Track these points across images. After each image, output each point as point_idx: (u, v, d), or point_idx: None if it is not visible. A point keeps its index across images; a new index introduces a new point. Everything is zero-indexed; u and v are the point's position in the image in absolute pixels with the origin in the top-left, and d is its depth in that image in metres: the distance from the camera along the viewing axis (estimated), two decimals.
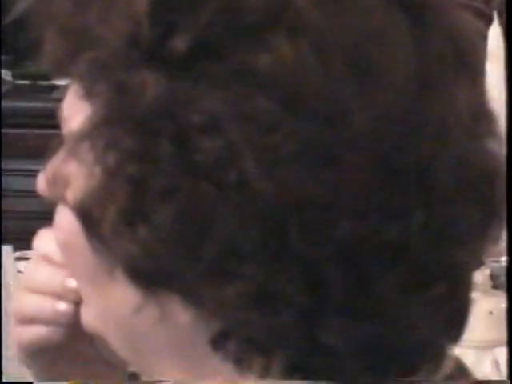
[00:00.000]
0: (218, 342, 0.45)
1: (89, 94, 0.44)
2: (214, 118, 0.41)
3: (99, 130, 0.43)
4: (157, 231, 0.42)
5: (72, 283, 0.53)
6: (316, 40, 0.41)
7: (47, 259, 0.55)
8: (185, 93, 0.41)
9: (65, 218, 0.47)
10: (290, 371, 0.44)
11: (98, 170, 0.42)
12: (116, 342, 0.50)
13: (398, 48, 0.43)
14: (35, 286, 0.57)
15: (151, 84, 0.41)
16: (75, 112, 0.46)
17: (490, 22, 1.47)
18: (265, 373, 0.44)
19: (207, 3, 0.41)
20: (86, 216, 0.44)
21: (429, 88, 0.43)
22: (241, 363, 0.44)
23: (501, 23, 1.48)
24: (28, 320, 0.57)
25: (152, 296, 0.45)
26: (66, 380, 0.58)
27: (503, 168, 0.47)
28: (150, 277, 0.45)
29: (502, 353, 1.28)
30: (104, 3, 0.44)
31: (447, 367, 0.47)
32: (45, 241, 0.55)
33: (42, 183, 0.50)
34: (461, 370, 0.50)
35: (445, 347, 0.47)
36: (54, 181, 0.48)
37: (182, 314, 0.45)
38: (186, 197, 0.42)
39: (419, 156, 0.42)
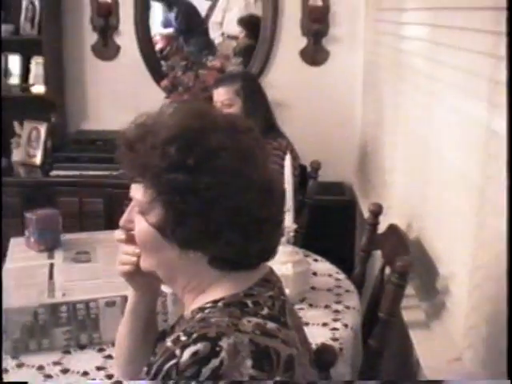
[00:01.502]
0: (210, 261, 1.18)
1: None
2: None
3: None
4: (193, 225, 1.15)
5: (137, 250, 1.28)
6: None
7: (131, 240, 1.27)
8: None
9: (142, 227, 1.22)
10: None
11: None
12: (160, 273, 1.25)
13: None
14: (126, 250, 1.32)
15: None
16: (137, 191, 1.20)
17: None
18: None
19: None
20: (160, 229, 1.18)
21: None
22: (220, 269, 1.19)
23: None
24: (121, 263, 1.34)
25: (184, 251, 1.18)
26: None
27: None
28: (184, 242, 1.17)
29: None
30: None
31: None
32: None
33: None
34: None
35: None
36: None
37: (197, 256, 1.18)
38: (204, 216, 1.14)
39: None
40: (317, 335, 1.92)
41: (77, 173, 3.60)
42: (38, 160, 3.96)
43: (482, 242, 1.66)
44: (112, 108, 3.91)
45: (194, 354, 1.05)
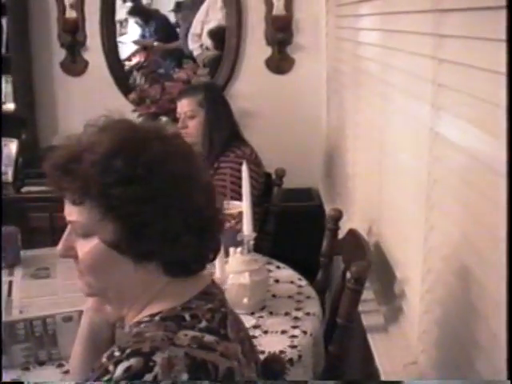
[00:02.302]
0: (165, 268, 1.17)
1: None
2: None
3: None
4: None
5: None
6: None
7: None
8: None
9: (90, 249, 1.16)
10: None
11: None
12: (111, 294, 1.21)
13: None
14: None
15: None
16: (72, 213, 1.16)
17: None
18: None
19: None
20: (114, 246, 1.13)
21: None
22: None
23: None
24: None
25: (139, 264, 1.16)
26: None
27: None
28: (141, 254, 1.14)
29: None
30: None
31: None
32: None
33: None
34: None
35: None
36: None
37: (152, 266, 1.17)
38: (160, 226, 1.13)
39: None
40: (275, 343, 1.89)
41: (48, 188, 3.52)
42: (9, 177, 3.89)
43: (431, 246, 1.62)
44: (82, 123, 3.80)
45: (127, 369, 1.02)
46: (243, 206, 2.17)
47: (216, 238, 1.23)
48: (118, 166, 1.11)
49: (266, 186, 3.09)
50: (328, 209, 3.24)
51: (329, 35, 3.70)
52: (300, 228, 3.49)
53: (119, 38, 4.19)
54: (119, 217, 1.12)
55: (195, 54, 4.24)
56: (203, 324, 1.14)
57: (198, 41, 4.25)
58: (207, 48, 4.25)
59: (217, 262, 1.90)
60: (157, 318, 1.15)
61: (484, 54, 1.22)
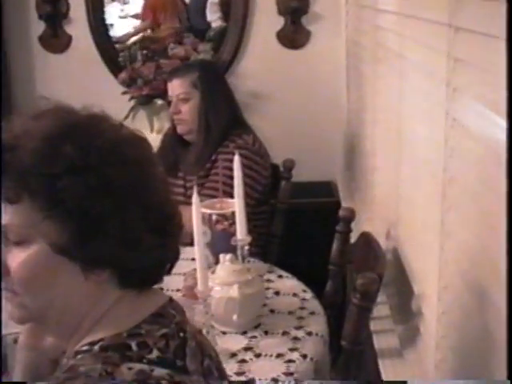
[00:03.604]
0: (121, 278, 1.14)
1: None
2: None
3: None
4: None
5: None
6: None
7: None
8: None
9: (28, 257, 1.10)
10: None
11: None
12: (50, 314, 1.14)
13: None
14: None
15: None
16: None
17: None
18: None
19: None
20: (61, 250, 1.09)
21: None
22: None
23: None
24: None
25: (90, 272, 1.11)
26: None
27: None
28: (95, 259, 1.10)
29: None
30: None
31: None
32: None
33: None
34: None
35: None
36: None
37: (105, 276, 1.12)
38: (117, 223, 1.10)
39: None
40: (268, 369, 1.85)
41: None
42: None
43: (448, 258, 1.54)
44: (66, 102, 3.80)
45: None
46: (235, 205, 2.14)
47: (175, 243, 1.22)
48: (67, 152, 1.07)
49: (273, 181, 3.04)
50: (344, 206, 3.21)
51: (349, 2, 3.62)
52: (313, 229, 3.46)
53: (121, 12, 4.16)
54: (67, 213, 1.07)
55: (213, 25, 4.15)
56: (154, 354, 1.09)
57: (217, 11, 4.17)
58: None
59: (198, 272, 1.84)
60: (96, 347, 1.09)
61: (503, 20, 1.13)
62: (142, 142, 1.19)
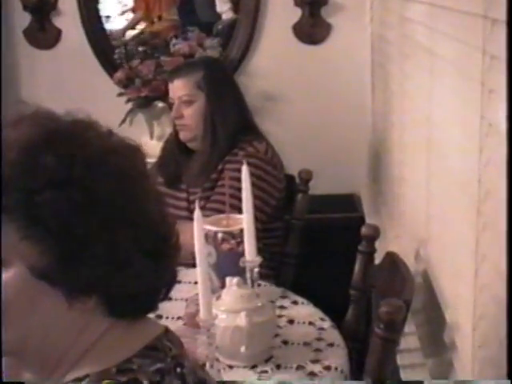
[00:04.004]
0: (111, 307, 1.14)
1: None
2: None
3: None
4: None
5: None
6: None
7: None
8: None
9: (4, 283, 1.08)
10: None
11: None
12: (29, 345, 1.14)
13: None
14: None
15: None
16: None
17: None
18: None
19: None
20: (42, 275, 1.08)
21: None
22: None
23: None
24: None
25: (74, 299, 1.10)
26: None
27: None
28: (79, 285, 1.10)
29: None
30: None
31: None
32: None
33: None
34: None
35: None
36: None
37: (91, 304, 1.12)
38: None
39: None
40: None
41: None
42: None
43: (483, 284, 1.55)
44: (54, 105, 3.80)
45: None
46: (244, 221, 2.15)
47: (172, 267, 1.23)
48: (48, 164, 1.08)
49: (288, 194, 3.05)
50: (372, 221, 3.21)
51: None
52: (332, 249, 3.45)
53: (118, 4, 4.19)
54: (48, 233, 1.07)
55: (224, 17, 4.17)
56: None
57: (227, 1, 4.19)
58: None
59: (200, 298, 1.83)
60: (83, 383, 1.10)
61: None
62: (135, 151, 1.20)
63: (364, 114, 3.87)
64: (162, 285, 1.21)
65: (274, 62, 3.96)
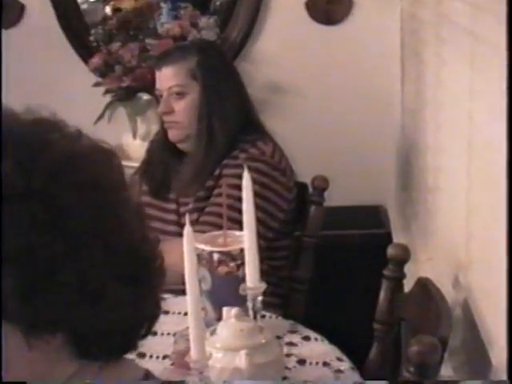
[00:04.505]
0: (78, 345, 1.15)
1: None
2: None
3: None
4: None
5: None
6: None
7: None
8: None
9: None
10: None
11: None
12: None
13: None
14: None
15: None
16: None
17: None
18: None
19: None
20: None
21: None
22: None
23: None
24: None
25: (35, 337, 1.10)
26: None
27: None
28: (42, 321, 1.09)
29: None
30: None
31: None
32: None
33: None
34: None
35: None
36: None
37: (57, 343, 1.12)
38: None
39: None
40: None
41: None
42: None
43: None
44: (16, 100, 3.81)
45: None
46: (245, 239, 2.17)
47: (156, 295, 1.24)
48: (4, 171, 1.08)
49: (299, 205, 3.06)
50: (401, 239, 3.21)
51: None
52: (353, 273, 3.49)
53: None
54: (4, 256, 1.07)
55: None
56: None
57: None
58: None
59: (191, 332, 1.83)
60: None
61: None
62: (109, 156, 1.20)
63: (391, 110, 3.89)
64: (144, 318, 1.21)
65: (283, 46, 3.98)
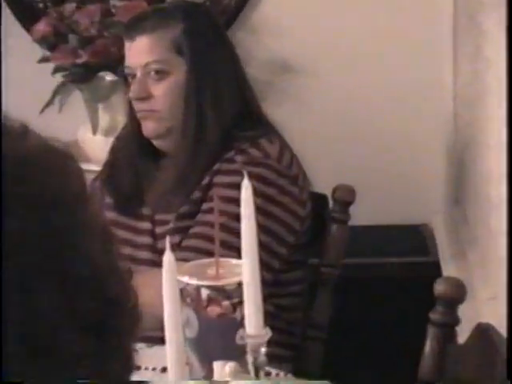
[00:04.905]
0: None
1: None
2: None
3: None
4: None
5: None
6: None
7: None
8: None
9: None
10: None
11: None
12: None
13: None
14: None
15: None
16: None
17: None
18: None
19: None
20: None
21: None
22: None
23: None
24: None
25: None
26: None
27: None
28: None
29: None
30: None
31: None
32: None
33: None
34: None
35: None
36: None
37: None
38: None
39: None
40: None
41: None
42: None
43: None
44: None
45: None
46: (244, 269, 2.14)
47: (126, 345, 1.25)
48: None
49: (316, 224, 3.07)
50: (445, 273, 3.21)
51: None
52: (387, 315, 3.51)
53: None
54: None
55: None
56: None
57: None
58: None
59: None
60: None
61: None
62: (65, 162, 1.21)
63: (440, 97, 3.92)
64: (111, 378, 1.23)
65: (292, 11, 4.01)
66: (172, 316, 1.82)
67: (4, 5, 4.04)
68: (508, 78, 2.08)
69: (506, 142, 2.69)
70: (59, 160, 1.20)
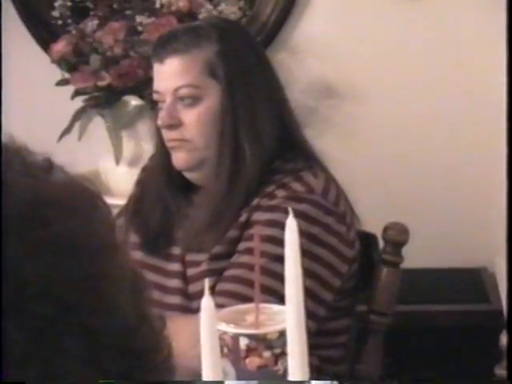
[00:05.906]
0: None
1: None
2: None
3: None
4: None
5: None
6: None
7: None
8: None
9: None
10: None
11: None
12: None
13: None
14: None
15: None
16: None
17: None
18: None
19: None
20: None
21: None
22: None
23: None
24: None
25: None
26: None
27: None
28: None
29: None
30: None
31: None
32: None
33: None
34: None
35: None
36: None
37: None
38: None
39: None
40: None
41: None
42: None
43: None
44: None
45: None
46: (287, 317, 2.14)
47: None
48: None
49: (364, 267, 3.08)
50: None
51: None
52: (445, 368, 3.48)
53: None
54: None
55: None
56: None
57: None
58: None
59: None
60: None
61: None
62: (93, 201, 1.22)
63: (501, 122, 3.86)
64: None
65: (339, 30, 4.03)
66: (212, 369, 1.82)
67: (20, 23, 4.07)
68: None
69: None
70: (86, 200, 1.20)
